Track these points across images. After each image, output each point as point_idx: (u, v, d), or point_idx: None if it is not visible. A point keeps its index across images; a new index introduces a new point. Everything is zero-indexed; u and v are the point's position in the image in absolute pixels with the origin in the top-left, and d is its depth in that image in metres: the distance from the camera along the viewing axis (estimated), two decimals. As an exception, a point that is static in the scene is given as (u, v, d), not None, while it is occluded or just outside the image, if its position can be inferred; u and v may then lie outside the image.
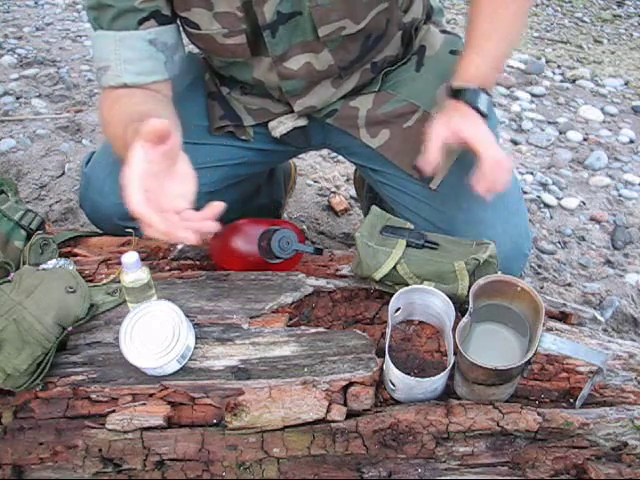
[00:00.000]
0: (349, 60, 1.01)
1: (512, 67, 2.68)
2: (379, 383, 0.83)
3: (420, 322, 0.90)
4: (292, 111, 1.11)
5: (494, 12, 0.92)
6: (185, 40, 1.07)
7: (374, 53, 1.04)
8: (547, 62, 2.82)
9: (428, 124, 1.02)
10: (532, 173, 2.02)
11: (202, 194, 1.15)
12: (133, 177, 0.71)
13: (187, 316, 0.85)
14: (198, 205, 1.16)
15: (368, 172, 1.19)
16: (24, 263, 0.96)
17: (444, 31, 1.14)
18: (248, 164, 1.19)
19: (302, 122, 1.13)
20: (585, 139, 2.21)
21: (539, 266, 1.67)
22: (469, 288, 0.79)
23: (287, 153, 1.27)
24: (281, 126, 1.12)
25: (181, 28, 1.01)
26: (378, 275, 0.89)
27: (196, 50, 1.22)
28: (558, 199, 1.92)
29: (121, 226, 1.09)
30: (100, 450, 0.77)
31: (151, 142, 0.71)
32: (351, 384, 0.81)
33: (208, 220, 0.76)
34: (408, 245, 0.90)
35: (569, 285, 1.61)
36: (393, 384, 0.79)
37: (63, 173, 1.91)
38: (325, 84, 1.05)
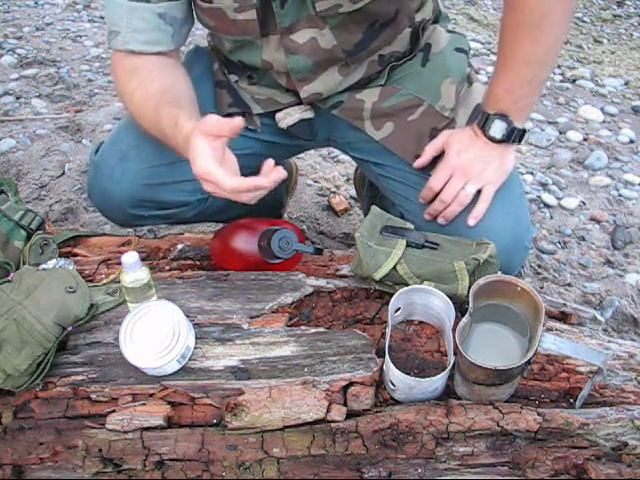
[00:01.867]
0: (352, 43, 1.00)
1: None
2: (379, 383, 0.83)
3: (420, 322, 0.90)
4: (299, 103, 1.12)
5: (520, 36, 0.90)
6: (193, 36, 1.08)
7: (381, 43, 1.04)
8: (547, 62, 2.81)
9: (432, 118, 1.06)
10: (532, 173, 2.02)
11: None
12: (208, 162, 0.81)
13: (187, 316, 0.85)
14: (206, 195, 1.17)
15: (370, 166, 1.20)
16: (24, 263, 0.96)
17: (450, 31, 1.16)
18: (255, 156, 1.19)
19: (309, 114, 1.13)
20: (585, 139, 2.21)
21: (539, 266, 1.67)
22: (469, 288, 0.79)
23: (293, 147, 1.28)
24: (288, 117, 1.13)
25: (193, 5, 1.02)
26: (378, 275, 0.89)
27: (204, 44, 1.23)
28: (558, 199, 1.92)
29: (131, 214, 1.09)
30: (100, 450, 0.77)
31: (212, 136, 0.81)
32: (351, 384, 0.81)
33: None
34: (408, 245, 0.90)
35: (569, 285, 1.61)
36: (393, 384, 0.79)
37: (63, 173, 1.91)
38: (332, 71, 1.05)
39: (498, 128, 0.95)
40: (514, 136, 0.95)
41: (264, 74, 1.11)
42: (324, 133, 1.19)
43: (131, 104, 1.00)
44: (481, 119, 0.97)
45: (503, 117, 0.94)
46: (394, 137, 1.10)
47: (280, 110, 1.13)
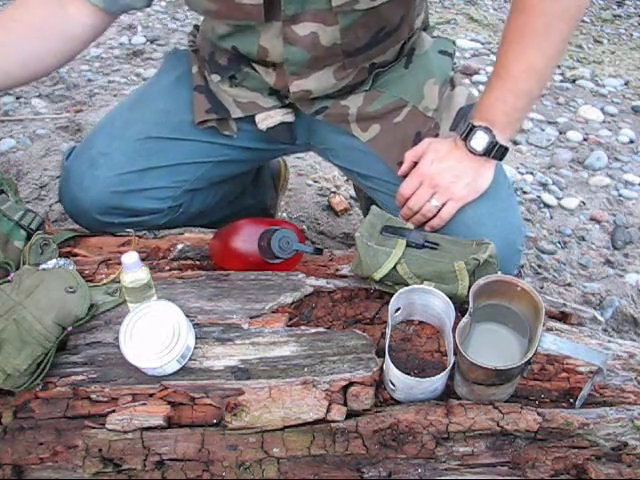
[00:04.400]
0: (355, 47, 0.99)
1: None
2: (379, 383, 0.83)
3: (420, 322, 0.90)
4: (281, 107, 1.11)
5: (522, 43, 0.88)
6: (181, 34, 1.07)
7: (380, 50, 1.03)
8: (547, 62, 2.81)
9: (416, 120, 1.06)
10: (532, 173, 2.02)
11: (183, 191, 1.16)
12: None
13: (187, 316, 0.85)
14: (180, 202, 1.17)
15: (356, 177, 1.20)
16: (24, 263, 0.96)
17: (434, 37, 1.16)
18: (231, 162, 1.19)
19: (289, 118, 1.12)
20: (585, 139, 2.21)
21: (539, 266, 1.67)
22: (469, 288, 0.79)
23: (270, 152, 1.27)
24: (268, 119, 1.12)
25: None
26: (378, 275, 0.89)
27: (183, 47, 1.22)
28: (558, 199, 1.92)
29: (100, 221, 1.09)
30: (100, 450, 0.77)
31: None
32: (351, 384, 0.81)
33: None
34: (408, 245, 0.90)
35: (569, 285, 1.61)
36: (393, 384, 0.79)
37: (63, 173, 1.91)
38: (327, 72, 1.03)
39: (481, 140, 0.93)
40: (495, 152, 0.94)
41: (248, 75, 1.09)
42: (303, 138, 1.18)
43: None
44: (464, 130, 0.95)
45: (487, 130, 0.93)
46: (380, 140, 1.09)
47: (261, 112, 1.12)
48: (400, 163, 1.04)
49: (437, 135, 1.07)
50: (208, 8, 0.97)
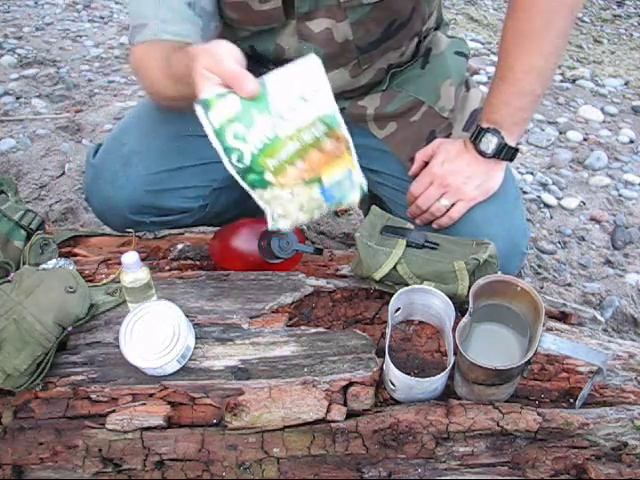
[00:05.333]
0: (367, 41, 1.00)
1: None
2: (379, 383, 0.83)
3: (420, 322, 0.90)
4: None
5: (521, 42, 0.90)
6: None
7: (393, 44, 1.03)
8: (547, 62, 2.81)
9: (431, 119, 1.08)
10: (532, 173, 2.02)
11: (212, 190, 1.16)
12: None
13: (187, 316, 0.85)
14: (208, 201, 1.17)
15: (367, 173, 1.20)
16: (24, 263, 0.96)
17: (450, 36, 1.17)
18: None
19: None
20: (585, 139, 2.22)
21: (539, 266, 1.67)
22: (469, 288, 0.79)
23: None
24: None
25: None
26: (378, 275, 0.89)
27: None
28: (558, 199, 1.92)
29: (131, 220, 1.08)
30: (100, 450, 0.77)
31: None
32: (351, 384, 0.81)
33: None
34: (408, 245, 0.90)
35: (569, 285, 1.61)
36: (393, 384, 0.79)
37: (63, 173, 1.91)
38: (343, 71, 1.04)
39: (489, 142, 0.94)
40: (504, 153, 0.94)
41: None
42: None
43: (146, 68, 0.93)
44: (473, 132, 0.96)
45: (496, 132, 0.93)
46: (395, 137, 1.10)
47: None
48: (411, 160, 1.05)
49: (450, 134, 1.08)
50: (230, 17, 0.99)
